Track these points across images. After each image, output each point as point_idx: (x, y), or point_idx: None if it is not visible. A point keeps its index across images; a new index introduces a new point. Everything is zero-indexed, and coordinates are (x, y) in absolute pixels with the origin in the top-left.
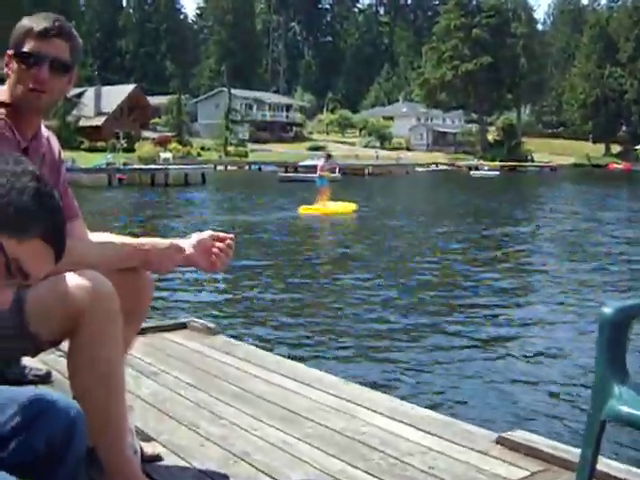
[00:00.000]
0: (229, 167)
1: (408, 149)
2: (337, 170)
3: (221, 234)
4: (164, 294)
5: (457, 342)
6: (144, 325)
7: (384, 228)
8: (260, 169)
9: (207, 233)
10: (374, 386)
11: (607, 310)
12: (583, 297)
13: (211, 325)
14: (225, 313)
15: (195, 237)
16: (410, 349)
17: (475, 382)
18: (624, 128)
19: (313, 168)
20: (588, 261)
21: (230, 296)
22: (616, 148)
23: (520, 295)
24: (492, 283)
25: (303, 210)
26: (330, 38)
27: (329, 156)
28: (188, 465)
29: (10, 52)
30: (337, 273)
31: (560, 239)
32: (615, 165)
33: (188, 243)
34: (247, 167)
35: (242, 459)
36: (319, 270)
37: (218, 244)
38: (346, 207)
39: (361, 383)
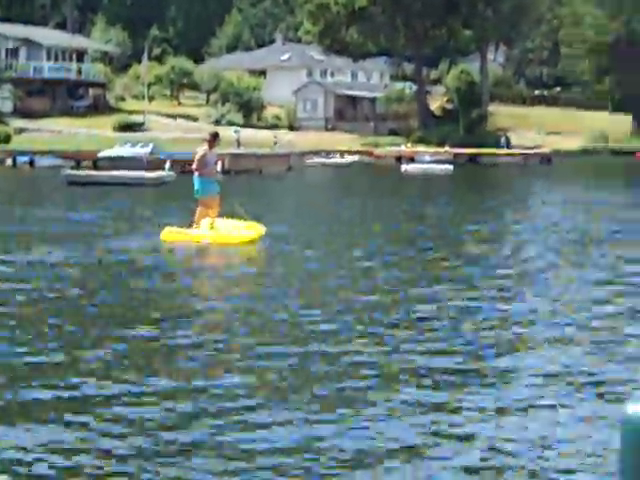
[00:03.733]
0: None
1: (292, 127)
2: (167, 165)
3: None
4: None
5: None
6: None
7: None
8: (32, 163)
9: None
10: None
11: (633, 412)
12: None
13: None
14: None
15: None
16: None
17: None
18: None
19: (126, 161)
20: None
21: None
22: None
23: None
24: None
25: (168, 236)
26: None
27: (212, 137)
28: None
29: None
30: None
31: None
32: None
33: None
34: (9, 161)
35: None
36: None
37: None
38: (250, 230)
39: None
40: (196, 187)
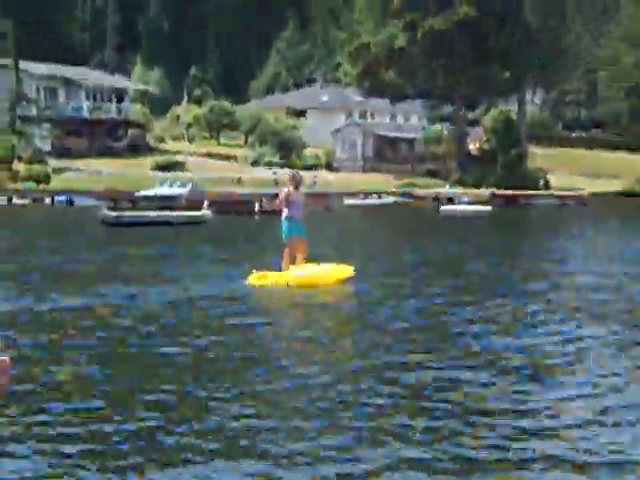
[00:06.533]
0: (16, 200)
1: (330, 167)
2: (205, 204)
3: None
4: None
5: None
6: None
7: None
8: (72, 203)
9: None
10: None
11: None
12: None
13: None
14: None
15: None
16: None
17: None
18: None
19: (164, 200)
20: None
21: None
22: None
23: None
24: None
25: (256, 281)
26: None
27: (293, 178)
28: None
29: None
30: None
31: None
32: None
33: None
34: (48, 200)
35: None
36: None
37: None
38: (337, 270)
39: None
40: (287, 229)
